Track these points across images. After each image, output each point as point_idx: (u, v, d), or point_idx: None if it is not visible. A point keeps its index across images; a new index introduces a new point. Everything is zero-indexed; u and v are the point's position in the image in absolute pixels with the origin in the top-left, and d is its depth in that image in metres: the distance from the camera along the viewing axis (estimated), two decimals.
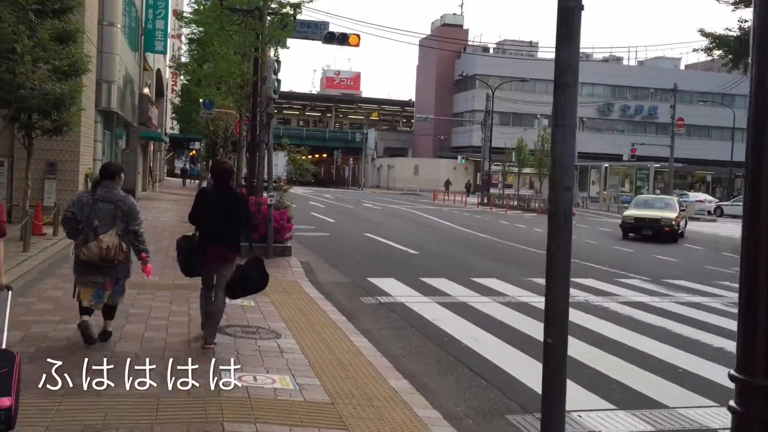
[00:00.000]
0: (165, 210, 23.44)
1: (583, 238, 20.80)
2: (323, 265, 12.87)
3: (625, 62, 75.79)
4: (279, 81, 12.42)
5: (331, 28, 22.17)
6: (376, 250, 15.83)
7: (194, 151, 69.36)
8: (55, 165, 16.80)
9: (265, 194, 12.82)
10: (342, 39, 21.64)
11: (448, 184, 54.40)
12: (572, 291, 10.43)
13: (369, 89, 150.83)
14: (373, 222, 24.90)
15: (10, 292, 4.62)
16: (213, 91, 22.36)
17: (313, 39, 21.90)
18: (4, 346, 4.17)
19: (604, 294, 11.01)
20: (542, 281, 10.66)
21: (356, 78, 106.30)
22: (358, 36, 22.06)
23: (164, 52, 30.18)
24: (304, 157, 14.88)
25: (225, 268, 6.46)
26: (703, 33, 20.61)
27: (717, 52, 20.54)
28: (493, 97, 45.30)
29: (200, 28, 24.82)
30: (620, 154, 63.30)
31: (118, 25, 20.37)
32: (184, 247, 6.62)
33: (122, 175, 6.54)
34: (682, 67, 78.73)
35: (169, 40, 37.00)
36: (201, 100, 22.31)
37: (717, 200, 47.12)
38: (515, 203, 40.37)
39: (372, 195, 55.13)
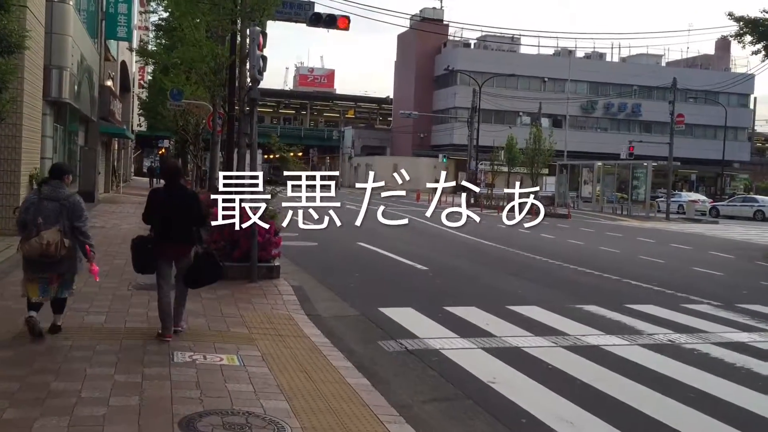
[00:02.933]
0: (127, 215, 20.68)
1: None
2: (319, 288, 10.37)
3: (608, 58, 74.11)
4: (265, 58, 9.91)
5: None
6: (376, 265, 13.37)
7: (163, 150, 66.30)
8: None
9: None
10: (329, 21, 19.18)
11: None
12: None
13: (343, 87, 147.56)
14: (362, 228, 22.33)
15: None
16: (182, 80, 19.83)
17: (296, 21, 19.41)
18: None
19: None
20: (596, 309, 7.93)
21: (330, 75, 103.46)
22: (347, 18, 19.60)
23: (128, 39, 27.37)
24: (292, 155, 12.29)
25: (181, 262, 6.81)
26: (733, 17, 18.47)
27: (748, 39, 18.41)
28: (480, 93, 43.02)
29: (167, 12, 22.25)
30: (604, 152, 61.64)
31: (71, 2, 17.60)
32: (137, 245, 6.75)
33: (70, 176, 6.79)
34: (664, 63, 77.45)
35: (135, 31, 34.16)
36: (168, 91, 19.64)
37: (710, 200, 45.41)
38: (505, 204, 38.11)
39: (351, 195, 52.57)
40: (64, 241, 6.23)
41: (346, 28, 19.38)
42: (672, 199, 40.60)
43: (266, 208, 10.84)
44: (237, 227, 10.22)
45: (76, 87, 19.35)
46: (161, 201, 6.73)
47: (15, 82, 13.23)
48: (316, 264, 12.95)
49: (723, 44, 79.06)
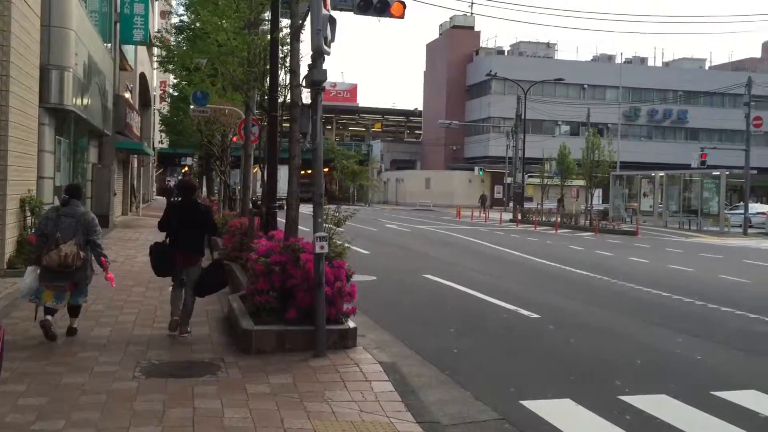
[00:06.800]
0: (145, 244, 17.57)
1: None
2: (415, 361, 7.06)
3: (650, 63, 70.42)
4: (333, 20, 6.83)
5: None
6: (470, 313, 10.05)
7: (187, 168, 63.84)
8: None
9: (309, 234, 7.09)
10: (381, 8, 15.88)
11: (483, 199, 48.37)
12: None
13: (366, 102, 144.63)
14: (418, 253, 19.15)
15: None
16: (207, 86, 16.83)
17: (343, 9, 16.27)
18: None
19: None
20: None
21: (353, 90, 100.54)
22: (402, 3, 16.39)
23: (146, 42, 24.43)
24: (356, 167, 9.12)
25: (191, 269, 7.54)
26: None
27: None
28: (525, 100, 39.65)
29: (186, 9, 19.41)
30: (650, 162, 57.86)
31: None
32: (156, 251, 7.56)
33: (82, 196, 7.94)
34: (707, 67, 73.60)
35: (151, 31, 31.38)
36: (191, 95, 16.57)
37: None
38: (556, 219, 34.52)
39: (384, 212, 49.40)
40: (79, 254, 7.01)
41: (401, 16, 16.06)
42: (735, 212, 36.87)
43: (331, 241, 7.70)
44: (292, 272, 7.13)
45: (83, 94, 16.40)
46: (176, 213, 7.53)
47: None
48: (389, 312, 9.70)
49: None
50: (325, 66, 6.75)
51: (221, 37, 12.76)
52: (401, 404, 5.51)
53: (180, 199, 7.75)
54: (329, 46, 6.72)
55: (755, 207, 42.12)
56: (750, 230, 32.76)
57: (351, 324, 7.19)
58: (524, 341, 8.20)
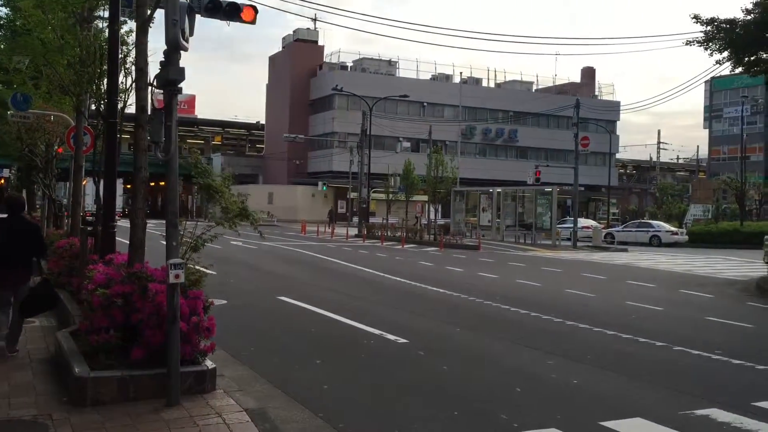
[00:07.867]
0: None
1: None
2: (288, 405, 6.23)
3: (484, 84, 73.88)
4: (192, 10, 5.93)
5: None
6: (333, 339, 9.37)
7: (2, 180, 58.02)
8: None
9: (161, 262, 6.11)
10: (231, 11, 15.01)
11: (332, 214, 47.79)
12: None
13: (205, 114, 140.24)
14: (269, 272, 18.22)
15: None
16: (29, 89, 15.04)
17: None
18: None
19: None
20: (743, 423, 4.47)
21: (191, 101, 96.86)
22: (254, 8, 15.55)
23: None
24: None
25: (19, 289, 7.15)
26: (699, 20, 16.27)
27: (714, 46, 16.23)
28: (371, 116, 39.82)
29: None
30: (485, 178, 60.53)
31: None
32: None
33: None
34: (534, 89, 78.47)
35: None
36: (10, 98, 14.56)
37: (602, 226, 44.70)
38: (402, 234, 34.82)
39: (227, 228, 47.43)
40: None
41: (252, 21, 15.24)
42: (564, 226, 39.24)
43: (185, 267, 6.72)
44: (138, 306, 6.10)
45: None
46: (2, 231, 7.14)
47: None
48: (247, 342, 8.80)
49: (588, 72, 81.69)
50: (182, 64, 5.83)
51: (48, 34, 11.31)
52: None
53: (6, 216, 7.38)
54: (187, 41, 5.82)
55: (581, 221, 45.21)
56: (578, 243, 34.88)
57: (209, 364, 6.26)
58: (398, 371, 7.63)
